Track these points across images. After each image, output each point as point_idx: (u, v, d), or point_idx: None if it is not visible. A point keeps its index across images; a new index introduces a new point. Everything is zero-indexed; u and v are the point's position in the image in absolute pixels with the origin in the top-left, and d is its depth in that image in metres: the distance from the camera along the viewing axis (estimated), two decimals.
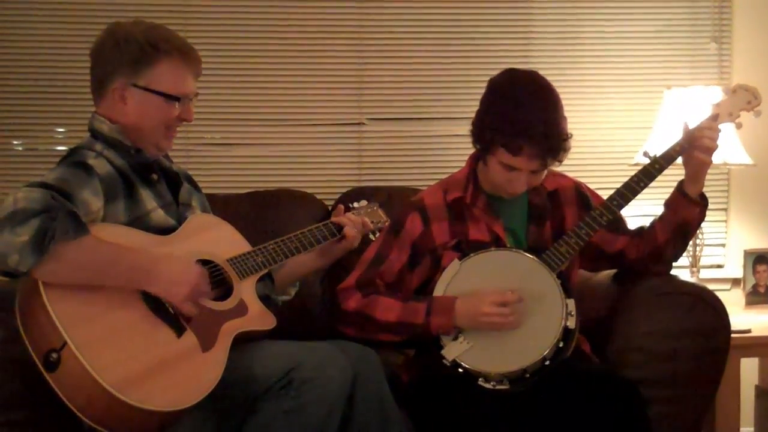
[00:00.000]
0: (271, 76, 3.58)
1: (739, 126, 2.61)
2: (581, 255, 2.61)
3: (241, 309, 2.26)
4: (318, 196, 3.30)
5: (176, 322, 2.11)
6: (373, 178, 3.58)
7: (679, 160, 2.53)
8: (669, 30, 3.69)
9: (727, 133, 3.11)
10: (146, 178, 2.29)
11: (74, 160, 2.20)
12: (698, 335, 2.58)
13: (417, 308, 2.43)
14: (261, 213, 3.13)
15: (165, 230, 2.26)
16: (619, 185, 2.52)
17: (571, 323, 2.37)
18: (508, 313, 2.35)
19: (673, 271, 2.73)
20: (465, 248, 2.50)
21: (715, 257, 3.69)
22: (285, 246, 2.41)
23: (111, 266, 2.05)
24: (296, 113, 3.59)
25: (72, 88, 3.42)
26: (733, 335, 2.67)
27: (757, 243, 3.64)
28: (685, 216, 2.55)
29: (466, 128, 2.54)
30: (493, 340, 2.38)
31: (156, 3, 3.50)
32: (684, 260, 2.76)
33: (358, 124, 3.62)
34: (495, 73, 2.54)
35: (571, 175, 2.73)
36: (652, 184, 2.53)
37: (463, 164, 2.64)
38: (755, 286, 3.52)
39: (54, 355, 1.95)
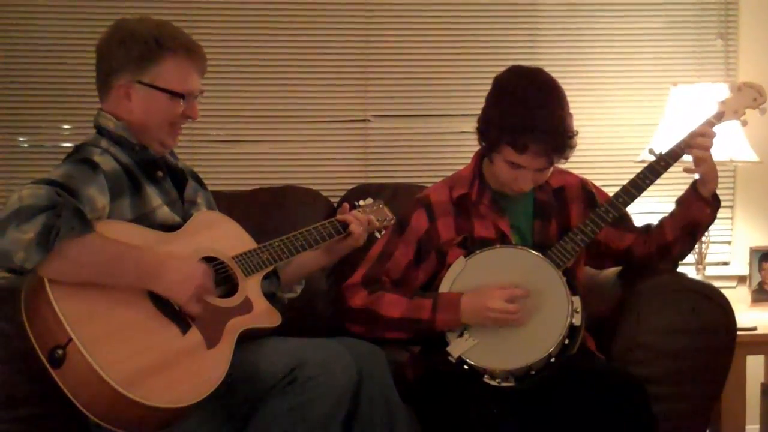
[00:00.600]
0: (277, 73, 3.58)
1: (744, 123, 2.62)
2: (587, 252, 2.61)
3: (246, 306, 2.26)
4: (323, 193, 3.30)
5: (181, 319, 2.11)
6: (378, 175, 3.57)
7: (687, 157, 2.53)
8: (675, 27, 3.68)
9: (733, 130, 3.12)
10: (152, 175, 2.29)
11: (80, 157, 2.20)
12: (704, 333, 2.58)
13: (423, 304, 2.43)
14: (266, 210, 3.13)
15: (170, 227, 2.26)
16: (624, 182, 2.52)
17: (577, 320, 2.37)
18: (513, 310, 2.35)
19: (678, 269, 2.73)
20: (470, 245, 2.50)
21: (720, 255, 3.69)
22: (290, 243, 2.41)
23: (116, 264, 2.05)
24: (302, 110, 3.59)
25: (77, 85, 3.42)
26: (738, 333, 2.66)
27: (763, 240, 3.64)
28: (695, 215, 2.55)
29: (471, 125, 2.54)
30: (499, 337, 2.38)
31: (163, 0, 3.50)
32: (690, 258, 2.76)
33: (364, 121, 3.62)
34: (500, 69, 2.53)
35: (576, 172, 2.73)
36: (658, 181, 2.53)
37: (469, 161, 2.64)
38: (761, 284, 3.52)
39: (59, 352, 1.96)
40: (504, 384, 2.33)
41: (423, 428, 2.36)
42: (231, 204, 2.93)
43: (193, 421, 2.10)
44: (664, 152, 2.54)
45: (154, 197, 2.26)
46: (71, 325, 1.95)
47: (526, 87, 2.43)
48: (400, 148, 3.63)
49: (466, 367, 2.36)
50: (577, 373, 2.33)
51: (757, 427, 3.46)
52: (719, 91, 3.14)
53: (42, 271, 1.97)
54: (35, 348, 2.00)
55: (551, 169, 2.50)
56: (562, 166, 2.60)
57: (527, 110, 2.37)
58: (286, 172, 3.56)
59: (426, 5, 3.62)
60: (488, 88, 2.52)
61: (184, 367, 2.06)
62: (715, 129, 2.56)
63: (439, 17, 3.62)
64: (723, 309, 2.61)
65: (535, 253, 2.45)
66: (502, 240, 2.52)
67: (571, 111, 2.47)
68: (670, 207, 2.66)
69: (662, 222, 2.63)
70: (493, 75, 2.53)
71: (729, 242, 3.71)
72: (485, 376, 2.34)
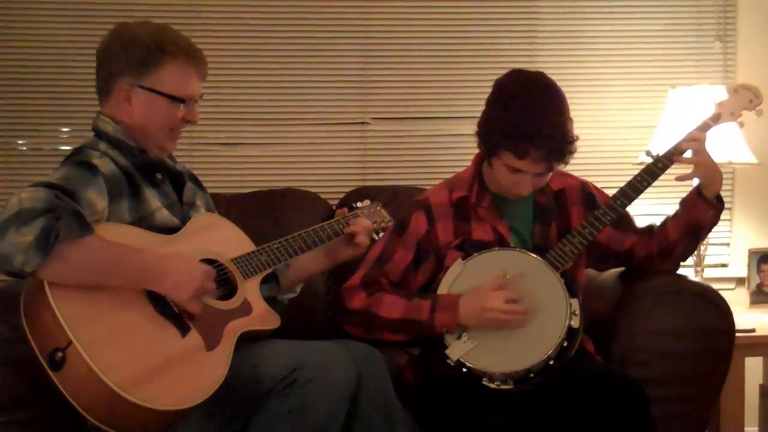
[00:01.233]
0: (276, 75, 3.58)
1: (741, 125, 2.62)
2: (590, 254, 2.61)
3: (245, 308, 2.26)
4: (322, 196, 3.30)
5: (181, 321, 2.11)
6: (377, 178, 3.58)
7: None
8: (673, 29, 3.69)
9: (731, 132, 3.13)
10: (151, 178, 2.29)
11: (78, 159, 2.20)
12: (702, 335, 2.58)
13: (421, 305, 2.43)
14: (265, 212, 3.13)
15: (169, 230, 2.26)
16: (623, 184, 2.52)
17: (575, 323, 2.37)
18: (512, 309, 2.35)
19: (677, 271, 2.73)
20: (469, 248, 2.50)
21: (719, 256, 3.69)
22: (289, 245, 2.41)
23: (116, 266, 2.05)
24: (300, 113, 3.60)
25: (76, 88, 3.43)
26: (737, 335, 2.66)
27: (762, 242, 3.64)
28: (698, 216, 2.56)
29: (470, 127, 2.54)
30: (498, 339, 2.38)
31: (162, 4, 3.51)
32: (688, 260, 2.76)
33: (363, 123, 3.63)
34: (500, 72, 2.53)
35: (575, 174, 2.73)
36: (658, 183, 2.53)
37: (468, 163, 2.64)
38: (759, 286, 3.52)
39: (59, 354, 1.96)
40: (503, 387, 2.33)
41: (422, 431, 2.36)
42: (230, 206, 2.94)
43: (193, 423, 2.10)
44: (661, 154, 2.54)
45: (153, 200, 2.26)
46: (71, 328, 1.95)
47: (527, 92, 2.42)
48: (398, 151, 3.64)
49: (464, 369, 2.36)
50: (575, 376, 2.33)
51: (756, 428, 3.47)
52: (717, 93, 3.13)
53: (41, 273, 1.97)
54: (35, 351, 2.00)
55: (551, 173, 2.50)
56: (563, 168, 2.60)
57: (528, 116, 2.37)
58: (284, 175, 3.56)
59: (425, 8, 3.62)
60: (487, 90, 2.52)
61: (183, 369, 2.06)
62: (712, 131, 2.56)
63: (439, 20, 3.62)
64: (721, 311, 2.61)
65: (534, 255, 2.45)
66: (501, 243, 2.52)
67: (571, 114, 2.47)
68: (669, 209, 2.67)
69: (665, 223, 2.63)
70: (492, 77, 2.53)
71: (727, 244, 3.72)
72: (484, 378, 2.34)
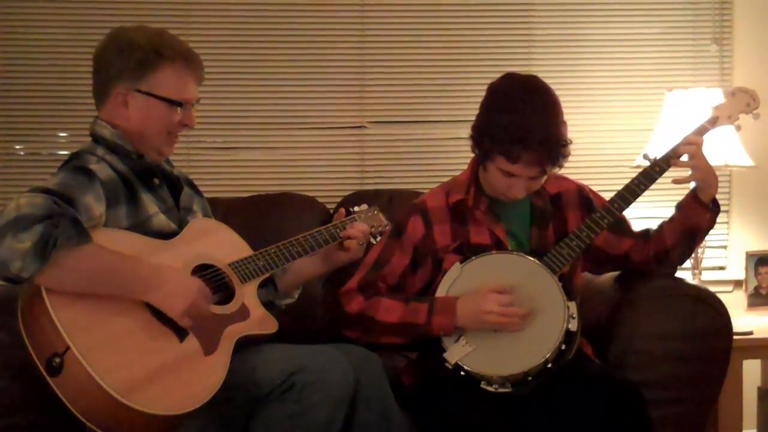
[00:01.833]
0: (273, 79, 3.58)
1: (738, 128, 2.63)
2: (586, 257, 2.61)
3: (242, 313, 2.26)
4: (320, 200, 3.31)
5: (178, 326, 2.11)
6: (374, 182, 3.58)
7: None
8: (670, 32, 3.69)
9: (728, 135, 3.13)
10: (148, 183, 2.30)
11: (76, 165, 2.20)
12: (700, 337, 2.58)
13: (419, 308, 2.43)
14: (262, 217, 3.13)
15: (166, 235, 2.26)
16: (620, 188, 2.53)
17: (573, 326, 2.37)
18: (510, 312, 2.35)
19: (675, 274, 2.73)
20: (466, 251, 2.50)
21: (716, 259, 3.70)
22: (286, 250, 2.42)
23: (112, 275, 2.05)
24: (298, 117, 3.60)
25: (74, 93, 3.43)
26: (735, 337, 2.67)
27: (759, 245, 3.64)
28: (694, 220, 2.56)
29: (467, 131, 2.54)
30: (496, 343, 2.38)
31: (159, 8, 3.51)
32: (686, 262, 2.76)
33: (360, 127, 3.63)
34: (496, 76, 2.53)
35: (572, 177, 2.73)
36: (655, 186, 2.53)
37: (465, 167, 2.64)
38: (757, 288, 3.52)
39: (57, 360, 1.96)
40: (501, 390, 2.33)
41: None
42: (227, 211, 2.94)
43: (191, 427, 2.10)
44: (658, 157, 2.54)
45: (150, 205, 2.26)
46: (68, 334, 1.95)
47: (520, 95, 2.42)
48: (396, 155, 3.64)
49: (463, 373, 2.36)
50: (574, 379, 2.33)
51: (754, 431, 3.47)
52: (714, 96, 3.14)
53: (39, 280, 1.97)
54: (33, 356, 2.00)
55: (545, 177, 2.50)
56: (559, 172, 2.60)
57: (520, 119, 2.37)
58: (281, 179, 3.56)
59: (422, 12, 3.62)
60: (484, 94, 2.52)
61: (181, 374, 2.06)
62: (709, 134, 2.56)
63: (435, 24, 3.62)
64: (719, 313, 2.62)
65: (531, 258, 2.45)
66: (498, 246, 2.52)
67: (567, 117, 2.47)
68: (666, 212, 2.67)
69: (661, 227, 2.63)
70: (489, 81, 2.53)
71: (725, 247, 3.72)
72: (482, 382, 2.34)
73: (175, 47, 2.29)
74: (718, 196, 2.58)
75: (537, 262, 2.44)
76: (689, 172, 2.55)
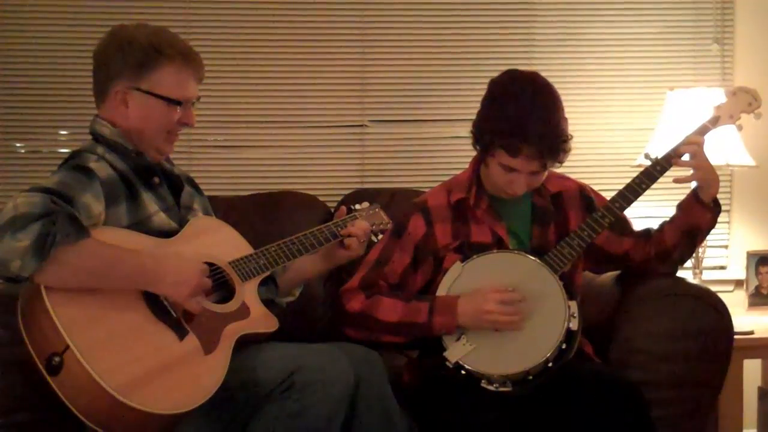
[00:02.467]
0: (274, 78, 3.58)
1: (740, 128, 2.62)
2: (586, 257, 2.61)
3: (243, 311, 2.26)
4: (320, 198, 3.30)
5: (178, 325, 2.11)
6: (375, 180, 3.58)
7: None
8: (671, 32, 3.69)
9: (729, 135, 3.13)
10: (148, 182, 2.29)
11: (75, 163, 2.20)
12: (701, 337, 2.58)
13: (419, 308, 2.43)
14: (263, 215, 3.13)
15: (167, 233, 2.26)
16: (621, 187, 2.52)
17: (574, 325, 2.37)
18: (510, 312, 2.35)
19: (676, 273, 2.73)
20: (467, 250, 2.50)
21: (717, 259, 3.69)
22: (287, 248, 2.41)
23: (113, 268, 2.05)
24: (298, 115, 3.59)
25: (75, 91, 3.42)
26: (735, 337, 2.67)
27: (760, 244, 3.64)
28: (695, 220, 2.56)
29: (468, 130, 2.54)
30: (496, 342, 2.38)
31: (160, 6, 3.51)
32: (687, 262, 2.76)
33: (361, 126, 3.63)
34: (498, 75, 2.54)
35: (573, 176, 2.73)
36: (656, 185, 2.53)
37: (466, 166, 2.64)
38: (758, 288, 3.52)
39: (56, 359, 1.95)
40: (501, 389, 2.33)
41: None
42: (228, 209, 2.94)
43: (191, 427, 2.10)
44: (659, 157, 2.54)
45: (150, 203, 2.26)
46: (68, 333, 1.95)
47: (520, 90, 2.43)
48: (397, 153, 3.63)
49: (463, 372, 2.36)
50: (574, 378, 2.33)
51: (755, 431, 3.47)
52: (716, 96, 3.14)
53: (38, 278, 1.97)
54: (32, 355, 2.00)
55: (546, 173, 2.50)
56: (559, 170, 2.60)
57: (520, 113, 2.38)
58: (282, 177, 3.56)
59: (423, 10, 3.62)
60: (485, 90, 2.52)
61: (181, 373, 2.06)
62: (710, 133, 2.56)
63: (436, 22, 3.62)
64: (720, 313, 2.61)
65: (532, 257, 2.45)
66: (499, 245, 2.52)
67: (568, 115, 2.47)
68: (667, 211, 2.67)
69: (662, 226, 2.63)
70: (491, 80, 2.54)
71: (726, 246, 3.72)
72: (483, 381, 2.34)
73: (175, 46, 2.28)
74: (719, 196, 2.58)
75: (538, 261, 2.44)
76: (690, 172, 2.55)
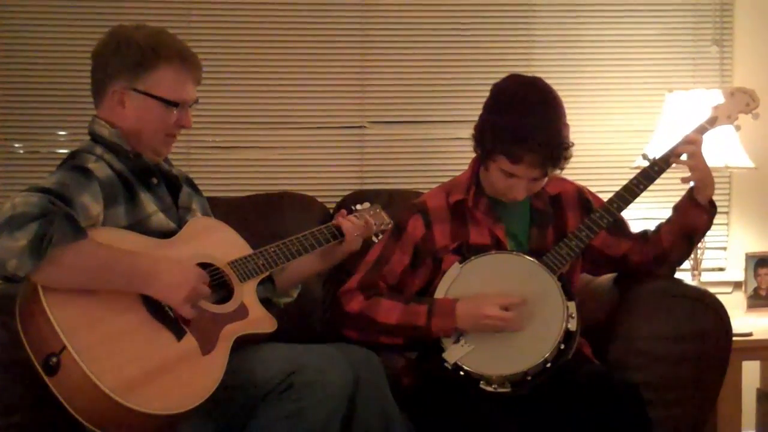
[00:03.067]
0: (273, 79, 3.58)
1: (738, 128, 2.63)
2: (584, 258, 2.61)
3: (241, 312, 2.26)
4: (319, 199, 3.30)
5: (176, 325, 2.11)
6: (374, 181, 3.58)
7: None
8: (670, 33, 3.69)
9: (728, 136, 3.13)
10: (146, 182, 2.29)
11: (74, 164, 2.20)
12: (699, 338, 2.58)
13: (418, 310, 2.43)
14: (262, 216, 3.13)
15: (165, 234, 2.26)
16: (619, 188, 2.52)
17: (572, 325, 2.37)
18: (510, 317, 2.35)
19: (674, 275, 2.73)
20: (466, 251, 2.50)
21: (716, 260, 3.70)
22: (286, 249, 2.41)
23: (109, 269, 2.05)
24: (298, 116, 3.59)
25: (74, 91, 3.42)
26: (734, 338, 2.66)
27: (759, 246, 3.64)
28: (692, 221, 2.56)
29: (467, 131, 2.54)
30: (495, 342, 2.38)
31: (160, 6, 3.51)
32: (685, 263, 2.76)
33: (360, 127, 3.63)
34: (497, 76, 2.53)
35: (572, 178, 2.73)
36: (654, 187, 2.54)
37: (465, 167, 2.64)
38: (756, 290, 3.52)
39: (53, 359, 1.95)
40: (500, 390, 2.33)
41: None
42: (226, 210, 2.93)
43: (190, 427, 2.10)
44: (657, 158, 2.54)
45: (148, 204, 2.26)
46: (65, 333, 1.95)
47: (523, 97, 2.42)
48: (396, 155, 3.63)
49: (462, 373, 2.36)
50: (573, 379, 2.33)
51: None
52: (714, 98, 3.14)
53: (35, 278, 1.97)
54: (30, 356, 2.00)
55: (546, 179, 2.50)
56: (559, 173, 2.60)
57: (523, 121, 2.37)
58: (281, 178, 3.56)
59: (423, 12, 3.62)
60: (484, 94, 2.52)
61: (179, 373, 2.06)
62: (708, 134, 2.57)
63: (436, 24, 3.62)
64: (718, 315, 2.61)
65: (530, 258, 2.45)
66: (498, 246, 2.52)
67: (567, 117, 2.47)
68: (665, 213, 2.67)
69: (659, 228, 2.63)
70: (490, 82, 2.53)
71: (724, 248, 3.72)
72: (481, 382, 2.34)
73: (173, 47, 2.28)
74: (717, 198, 2.58)
75: (536, 261, 2.44)
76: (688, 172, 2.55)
